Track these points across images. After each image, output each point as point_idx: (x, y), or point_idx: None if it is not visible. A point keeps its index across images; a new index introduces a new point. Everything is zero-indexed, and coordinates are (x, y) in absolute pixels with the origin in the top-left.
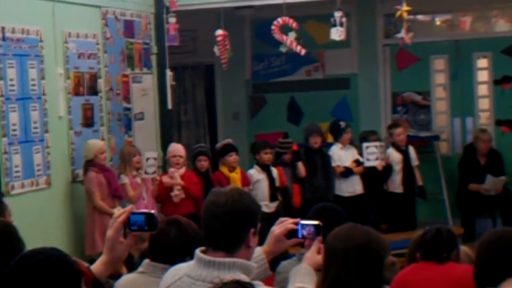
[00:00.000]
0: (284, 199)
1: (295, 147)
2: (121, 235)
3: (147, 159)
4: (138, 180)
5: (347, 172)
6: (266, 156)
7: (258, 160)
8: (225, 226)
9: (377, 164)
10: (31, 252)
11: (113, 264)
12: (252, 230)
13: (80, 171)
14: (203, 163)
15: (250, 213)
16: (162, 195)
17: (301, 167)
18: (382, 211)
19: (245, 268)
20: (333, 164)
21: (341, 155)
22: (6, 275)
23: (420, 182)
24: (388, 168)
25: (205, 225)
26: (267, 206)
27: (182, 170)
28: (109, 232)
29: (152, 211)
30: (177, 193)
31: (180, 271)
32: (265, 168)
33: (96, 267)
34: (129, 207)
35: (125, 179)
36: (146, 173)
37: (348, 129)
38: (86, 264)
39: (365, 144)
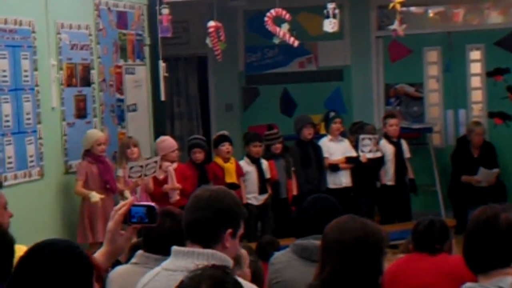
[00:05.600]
0: (274, 192)
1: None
2: (121, 227)
3: (131, 167)
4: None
5: (334, 168)
6: (255, 149)
7: (248, 152)
8: (202, 218)
9: (362, 156)
10: (44, 242)
11: (113, 256)
12: (230, 230)
13: (73, 162)
14: (198, 155)
15: (230, 213)
16: (158, 194)
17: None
18: (376, 204)
19: (223, 261)
20: (325, 155)
21: (330, 147)
22: (18, 264)
23: (411, 176)
24: (379, 160)
25: (186, 216)
26: (256, 199)
27: (175, 164)
28: (110, 224)
29: (153, 204)
30: (177, 198)
31: (156, 269)
32: (255, 160)
33: (96, 258)
34: (130, 199)
35: (119, 172)
36: (129, 177)
37: (337, 120)
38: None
39: (361, 136)
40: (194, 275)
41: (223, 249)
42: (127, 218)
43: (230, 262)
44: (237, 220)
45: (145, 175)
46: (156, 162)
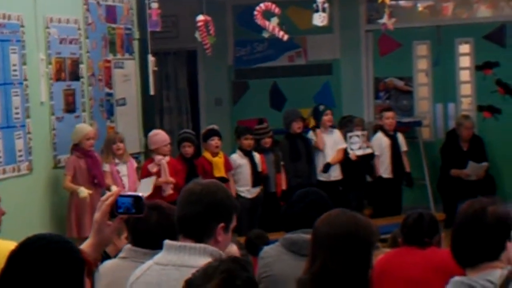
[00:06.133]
0: (264, 187)
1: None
2: (108, 218)
3: None
4: (122, 168)
5: (326, 168)
6: (246, 142)
7: (240, 145)
8: (194, 212)
9: (352, 154)
10: (35, 236)
11: (100, 247)
12: (222, 224)
13: (62, 157)
14: (187, 149)
15: (222, 207)
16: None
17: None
18: (366, 198)
19: (216, 256)
20: (313, 144)
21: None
22: (9, 258)
23: (407, 169)
24: (368, 157)
25: (178, 211)
26: (249, 192)
27: (167, 157)
28: (97, 215)
29: (140, 194)
30: (171, 192)
31: (148, 263)
32: (247, 153)
33: (83, 249)
34: (116, 190)
35: (105, 167)
36: None
37: (327, 112)
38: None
39: (349, 134)
40: (209, 267)
41: (216, 243)
42: (114, 209)
43: (222, 256)
44: (229, 214)
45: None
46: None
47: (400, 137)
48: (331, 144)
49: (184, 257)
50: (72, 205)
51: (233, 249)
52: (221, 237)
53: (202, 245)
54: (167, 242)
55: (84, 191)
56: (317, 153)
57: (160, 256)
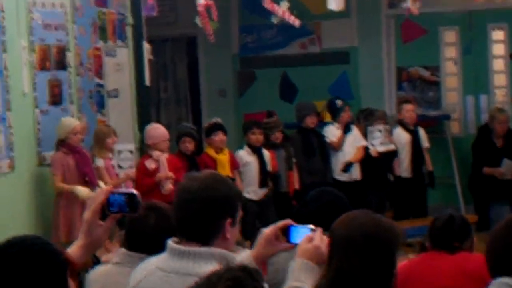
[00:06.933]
0: (274, 186)
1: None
2: (99, 217)
3: (119, 151)
4: (115, 164)
5: (347, 167)
6: (254, 136)
7: (247, 141)
8: (195, 214)
9: (373, 150)
10: (14, 239)
11: (90, 249)
12: (229, 220)
13: (47, 154)
14: (188, 145)
15: (226, 202)
16: (149, 185)
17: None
18: (386, 199)
19: (225, 260)
20: (328, 140)
21: (337, 135)
22: None
23: (429, 167)
24: (391, 154)
25: (176, 213)
26: (255, 193)
27: (166, 154)
28: (87, 214)
29: (134, 191)
30: (170, 187)
31: (150, 265)
32: (256, 150)
33: (72, 251)
34: (108, 187)
35: (99, 162)
36: (119, 167)
37: (346, 108)
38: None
39: (369, 128)
40: (214, 274)
41: (224, 241)
42: (106, 207)
43: (232, 258)
44: (234, 206)
45: (120, 167)
46: (131, 152)
47: (422, 132)
48: (350, 141)
49: (188, 264)
50: (60, 206)
51: (246, 255)
52: (229, 233)
53: (207, 249)
54: (170, 245)
55: (82, 190)
56: (334, 151)
57: (163, 260)
